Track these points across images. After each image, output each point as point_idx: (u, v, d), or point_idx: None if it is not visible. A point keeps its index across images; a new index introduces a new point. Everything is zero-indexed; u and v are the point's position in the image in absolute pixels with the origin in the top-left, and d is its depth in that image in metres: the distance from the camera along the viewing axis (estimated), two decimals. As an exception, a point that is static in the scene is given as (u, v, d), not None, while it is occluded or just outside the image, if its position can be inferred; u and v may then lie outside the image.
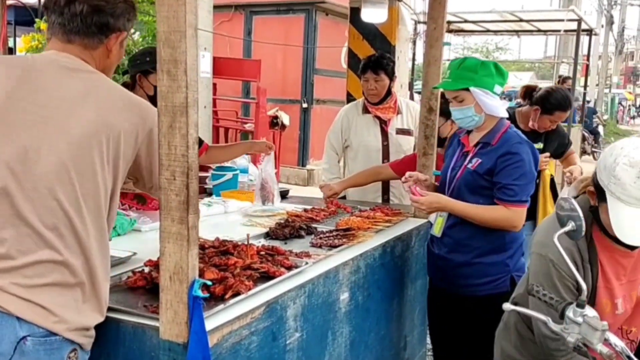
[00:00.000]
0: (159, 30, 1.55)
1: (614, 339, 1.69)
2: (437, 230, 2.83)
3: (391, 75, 3.84)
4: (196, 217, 1.60)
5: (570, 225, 1.84)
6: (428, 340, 3.39)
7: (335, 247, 2.56)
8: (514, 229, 2.70)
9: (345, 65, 11.40)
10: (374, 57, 3.91)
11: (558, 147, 4.06)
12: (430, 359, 3.61)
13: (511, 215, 2.64)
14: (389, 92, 3.87)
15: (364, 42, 5.10)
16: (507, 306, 1.85)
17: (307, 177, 10.81)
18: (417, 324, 3.23)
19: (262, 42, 10.55)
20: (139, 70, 3.20)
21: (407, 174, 2.93)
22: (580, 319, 1.70)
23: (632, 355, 1.70)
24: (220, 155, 3.72)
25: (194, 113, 1.56)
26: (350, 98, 5.08)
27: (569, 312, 1.73)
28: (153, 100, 3.19)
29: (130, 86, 3.26)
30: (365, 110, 3.94)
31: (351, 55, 5.29)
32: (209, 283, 1.70)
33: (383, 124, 3.91)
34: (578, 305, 1.72)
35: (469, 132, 2.82)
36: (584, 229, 1.82)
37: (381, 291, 2.76)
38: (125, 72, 3.46)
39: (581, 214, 1.81)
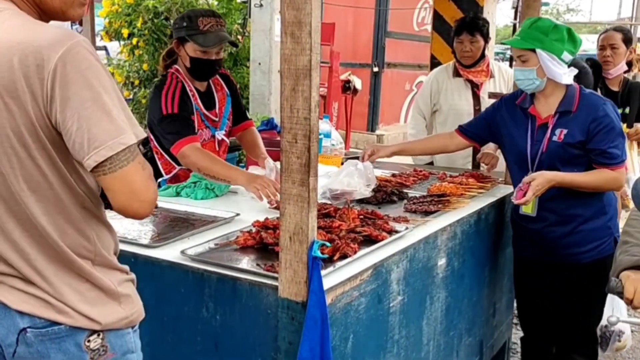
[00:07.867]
0: (283, -8, 1.54)
1: None
2: (531, 210, 2.72)
3: (486, 37, 3.72)
4: (316, 180, 1.61)
5: None
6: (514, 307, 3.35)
7: (431, 212, 2.55)
8: (620, 188, 2.75)
9: (417, 28, 11.31)
10: (469, 18, 3.78)
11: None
12: (515, 328, 3.58)
13: (618, 176, 2.61)
14: (482, 55, 3.74)
15: (450, 3, 4.91)
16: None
17: (376, 142, 10.75)
18: (505, 292, 3.20)
19: (334, 5, 10.43)
20: (177, 37, 2.82)
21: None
22: None
23: None
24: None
25: (316, 76, 1.55)
26: (434, 61, 4.95)
27: None
28: (192, 73, 2.80)
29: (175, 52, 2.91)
30: (457, 74, 3.84)
31: (436, 16, 5.11)
32: (328, 244, 1.72)
33: (475, 87, 3.80)
34: None
35: (531, 102, 2.70)
36: None
37: (475, 258, 2.74)
38: (171, 35, 2.96)
39: None
